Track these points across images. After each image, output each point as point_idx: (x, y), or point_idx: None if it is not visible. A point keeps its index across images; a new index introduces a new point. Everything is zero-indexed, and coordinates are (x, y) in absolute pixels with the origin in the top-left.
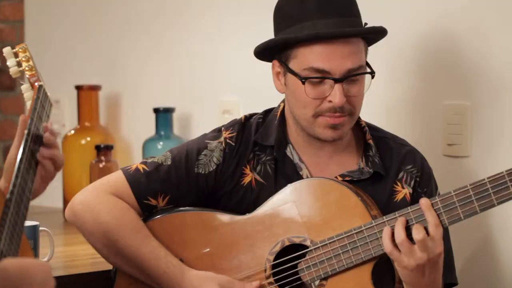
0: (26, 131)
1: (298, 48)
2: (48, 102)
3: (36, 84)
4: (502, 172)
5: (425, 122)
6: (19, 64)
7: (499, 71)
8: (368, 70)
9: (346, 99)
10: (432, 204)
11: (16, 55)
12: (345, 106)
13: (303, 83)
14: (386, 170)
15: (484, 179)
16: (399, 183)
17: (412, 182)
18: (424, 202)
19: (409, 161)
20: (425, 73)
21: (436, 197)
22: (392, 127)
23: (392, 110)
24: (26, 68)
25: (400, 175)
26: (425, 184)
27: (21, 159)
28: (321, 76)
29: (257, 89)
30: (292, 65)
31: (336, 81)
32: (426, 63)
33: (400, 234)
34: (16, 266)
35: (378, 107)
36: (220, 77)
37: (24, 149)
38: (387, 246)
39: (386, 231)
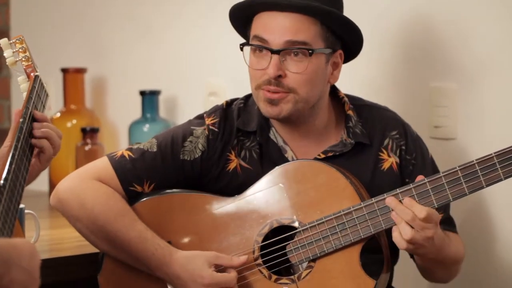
0: (21, 120)
1: (255, 17)
2: (44, 92)
3: (32, 74)
4: (491, 154)
5: (412, 105)
6: (15, 55)
7: (485, 53)
8: (324, 53)
9: (283, 73)
10: (420, 185)
11: (13, 46)
12: (283, 82)
13: (241, 49)
14: (370, 138)
15: (472, 161)
16: (384, 151)
17: (398, 151)
18: (389, 200)
19: (393, 126)
20: (411, 56)
21: (425, 178)
22: None
23: (379, 92)
24: (23, 59)
25: (386, 142)
26: (412, 150)
27: (15, 146)
28: (260, 44)
29: (243, 72)
30: (250, 34)
31: (272, 52)
32: (412, 45)
33: (408, 215)
34: (5, 241)
35: (365, 89)
36: (206, 59)
37: (19, 137)
38: (402, 244)
39: (396, 229)
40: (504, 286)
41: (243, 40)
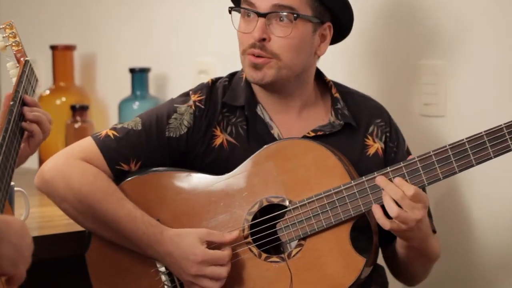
0: (11, 102)
1: None
2: (34, 77)
3: (22, 59)
4: (481, 133)
5: (401, 82)
6: (5, 40)
7: (474, 31)
8: (311, 21)
9: (267, 37)
10: (410, 164)
11: (2, 31)
12: (267, 46)
13: (229, 12)
14: (357, 122)
15: (463, 139)
16: (370, 137)
17: (383, 137)
18: (379, 179)
19: (378, 114)
20: (400, 33)
21: (415, 157)
22: (368, 88)
23: (369, 70)
24: (13, 44)
25: (371, 129)
26: (394, 139)
27: (6, 129)
28: (248, 8)
29: (233, 50)
30: None
31: (259, 15)
32: (402, 23)
33: (397, 194)
34: None
35: (353, 67)
36: (197, 37)
37: (9, 119)
38: (386, 224)
39: (378, 211)
40: (483, 274)
41: (233, 17)
